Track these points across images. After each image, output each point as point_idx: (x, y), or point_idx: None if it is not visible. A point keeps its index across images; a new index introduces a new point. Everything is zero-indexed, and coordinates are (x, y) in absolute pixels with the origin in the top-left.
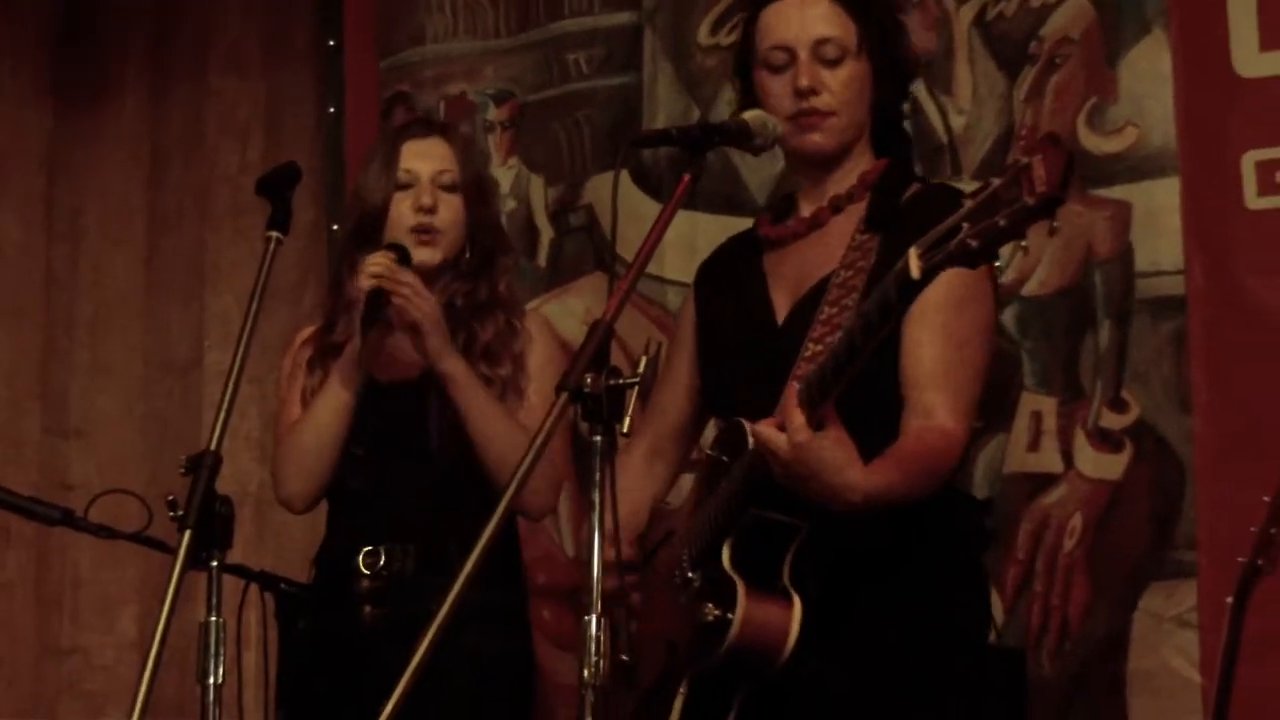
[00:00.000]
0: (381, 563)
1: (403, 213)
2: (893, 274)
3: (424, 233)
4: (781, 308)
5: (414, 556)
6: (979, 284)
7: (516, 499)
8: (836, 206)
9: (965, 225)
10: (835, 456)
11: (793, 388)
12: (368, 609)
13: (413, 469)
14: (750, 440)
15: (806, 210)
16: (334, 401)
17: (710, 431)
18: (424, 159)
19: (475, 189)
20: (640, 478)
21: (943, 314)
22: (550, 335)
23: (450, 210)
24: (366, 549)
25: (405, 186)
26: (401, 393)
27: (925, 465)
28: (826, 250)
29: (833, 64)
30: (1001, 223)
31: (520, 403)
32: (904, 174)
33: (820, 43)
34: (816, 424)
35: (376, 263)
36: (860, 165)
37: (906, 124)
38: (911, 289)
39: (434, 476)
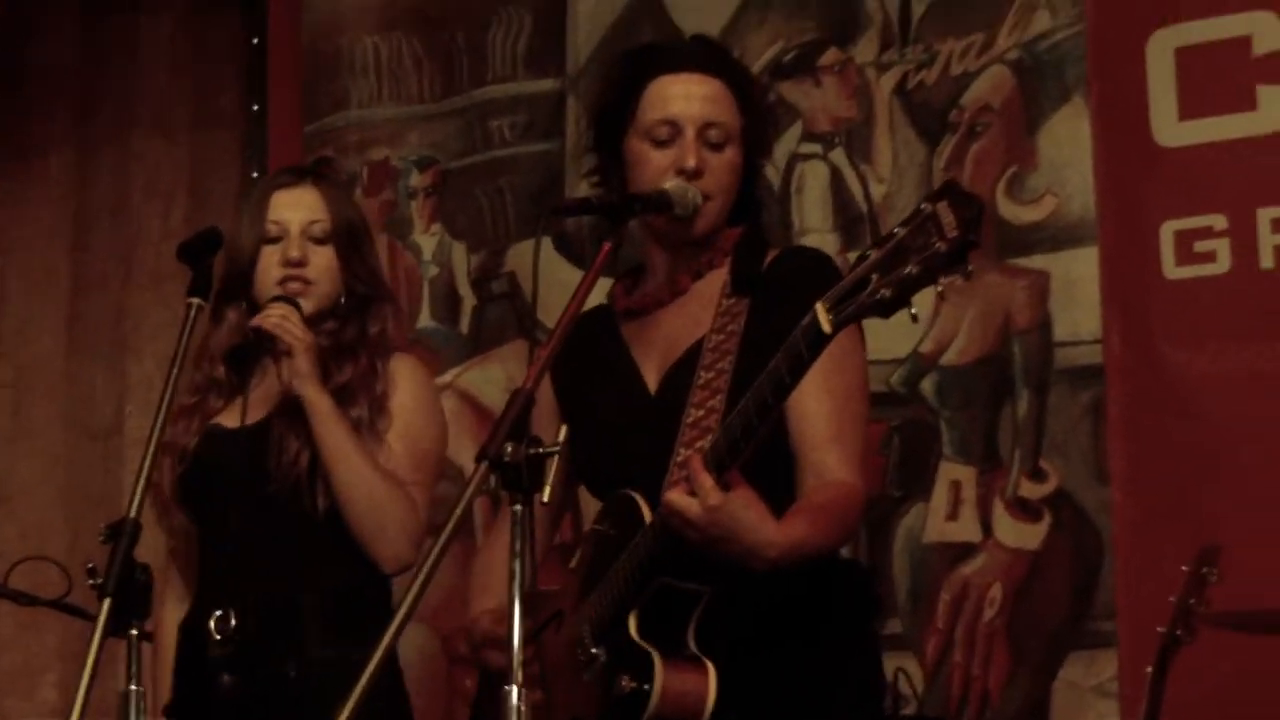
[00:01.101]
0: (232, 625)
1: (271, 265)
2: (800, 330)
3: (293, 284)
4: (651, 377)
5: (265, 616)
6: (851, 337)
7: (371, 548)
8: (697, 273)
9: (875, 276)
10: (749, 516)
11: (694, 455)
12: (224, 677)
13: (256, 518)
14: (645, 513)
15: (663, 279)
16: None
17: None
18: (293, 209)
19: (347, 238)
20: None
21: (825, 371)
22: (419, 379)
23: (322, 260)
24: (217, 613)
25: (274, 240)
26: (243, 436)
27: (833, 518)
28: (691, 316)
29: (716, 148)
30: (914, 270)
31: (379, 445)
32: (760, 238)
33: (708, 125)
34: (724, 487)
35: (271, 311)
36: (719, 236)
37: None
38: (822, 343)
39: (277, 524)
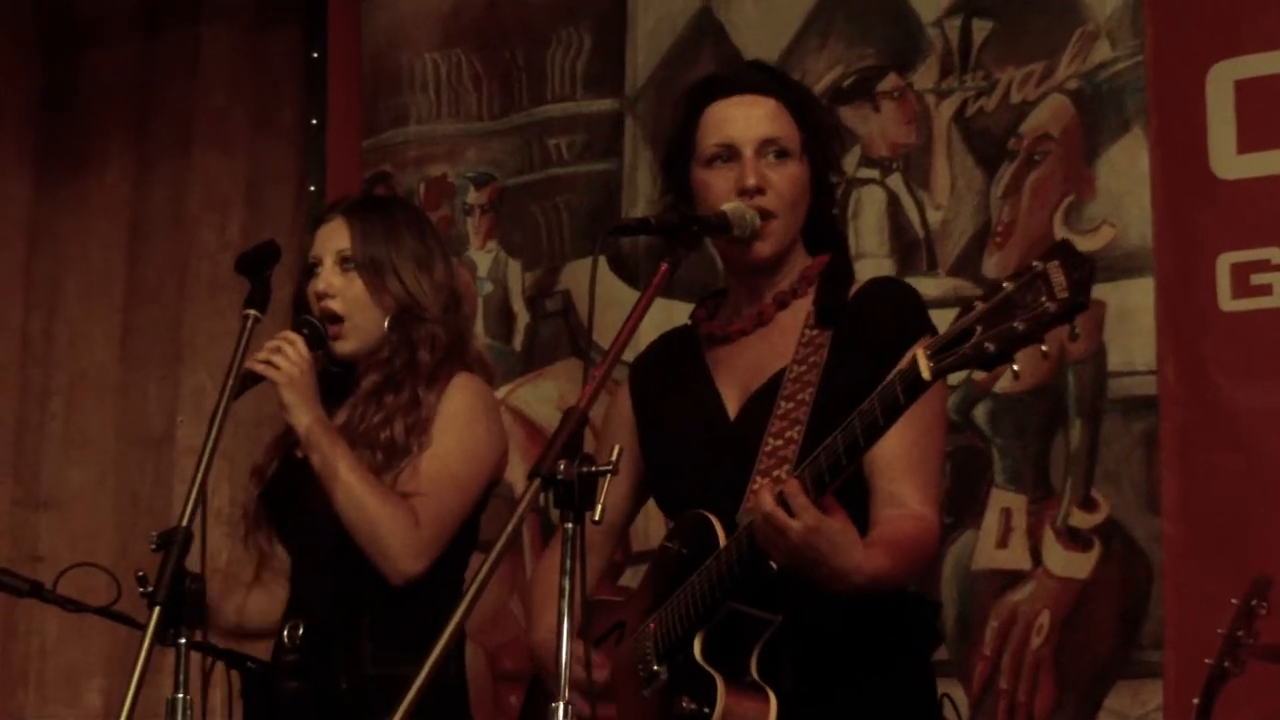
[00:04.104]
0: (300, 635)
1: (312, 301)
2: (898, 374)
3: (328, 321)
4: (732, 403)
5: (328, 631)
6: None
7: (375, 563)
8: (781, 302)
9: (979, 328)
10: (843, 540)
11: (792, 477)
12: (289, 683)
13: (324, 542)
14: (720, 535)
15: (746, 307)
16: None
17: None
18: (324, 242)
19: (370, 263)
20: None
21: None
22: (467, 397)
23: (353, 289)
24: (290, 622)
25: (315, 276)
26: (308, 465)
27: (912, 550)
28: (775, 346)
29: (777, 164)
30: (1020, 327)
31: (400, 462)
32: (845, 269)
33: (766, 143)
34: (821, 509)
35: (269, 347)
36: (796, 262)
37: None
38: (919, 389)
39: (341, 548)
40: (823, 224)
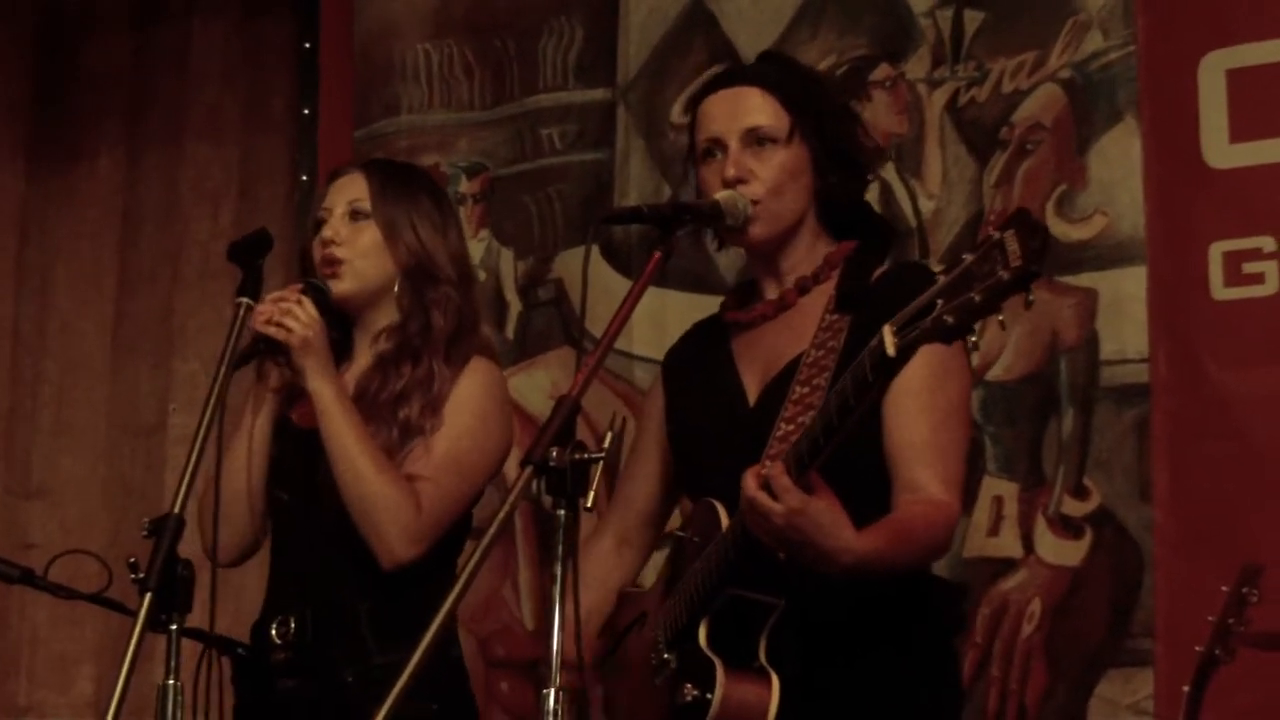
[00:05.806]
0: (292, 631)
1: (316, 253)
2: (867, 352)
3: (328, 265)
4: (752, 389)
5: (325, 623)
6: (957, 358)
7: (370, 544)
8: (803, 288)
9: (939, 302)
10: (827, 521)
11: (777, 461)
12: (285, 682)
13: (319, 524)
14: (724, 521)
15: (771, 293)
16: (240, 446)
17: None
18: (339, 193)
19: (390, 213)
20: (609, 567)
21: (925, 389)
22: (482, 382)
23: (360, 239)
24: (279, 618)
25: (322, 225)
26: (308, 438)
27: (917, 535)
28: (795, 331)
29: (762, 152)
30: (976, 298)
31: (413, 441)
32: (874, 255)
33: (749, 132)
34: (805, 489)
35: (279, 309)
36: (817, 247)
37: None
38: (887, 366)
39: (336, 532)
40: (845, 209)
